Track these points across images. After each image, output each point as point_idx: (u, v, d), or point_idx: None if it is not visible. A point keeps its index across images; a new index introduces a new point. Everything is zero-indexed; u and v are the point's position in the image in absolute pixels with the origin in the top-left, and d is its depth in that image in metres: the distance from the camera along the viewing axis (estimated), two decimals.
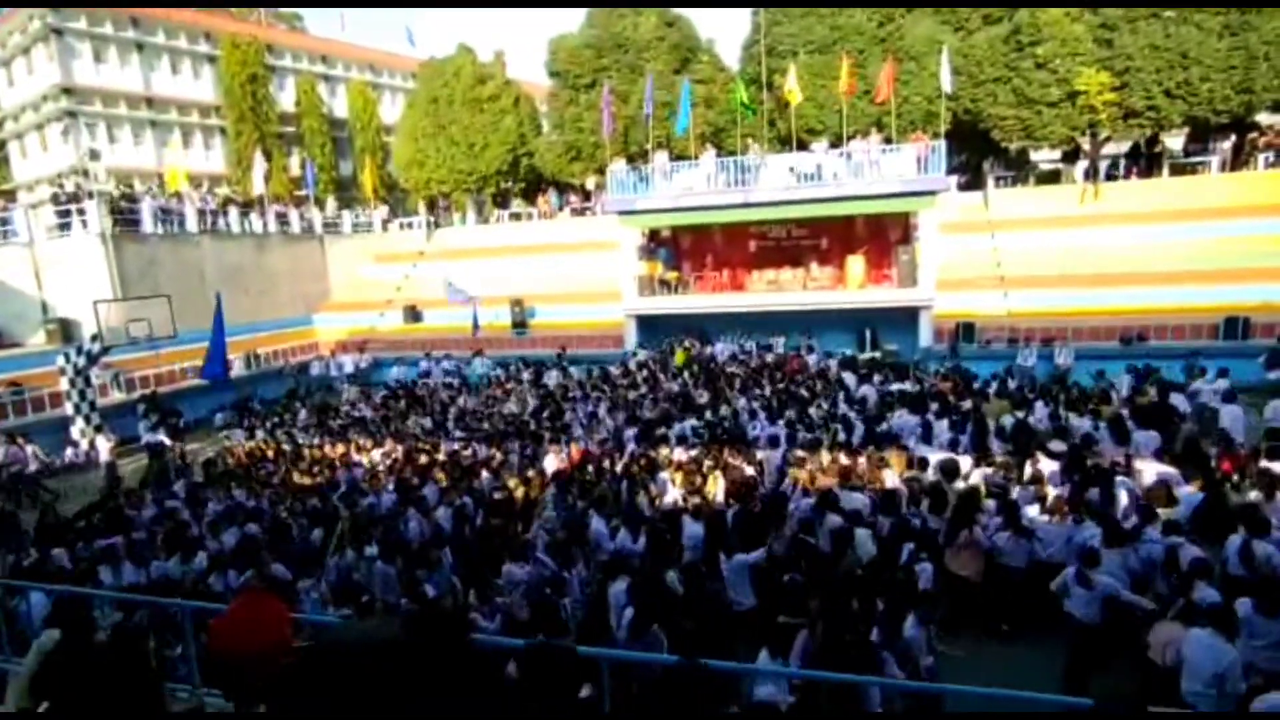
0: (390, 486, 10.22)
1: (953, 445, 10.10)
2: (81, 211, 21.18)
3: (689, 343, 20.08)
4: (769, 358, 18.24)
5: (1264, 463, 8.71)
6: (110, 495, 11.05)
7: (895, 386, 14.23)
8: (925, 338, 19.51)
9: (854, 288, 20.76)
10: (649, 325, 22.03)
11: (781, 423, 11.73)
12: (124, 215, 21.99)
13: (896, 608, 5.57)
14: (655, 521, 8.10)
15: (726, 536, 7.66)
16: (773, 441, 10.78)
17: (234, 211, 26.17)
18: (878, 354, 19.05)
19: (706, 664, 3.87)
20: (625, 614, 5.87)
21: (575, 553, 7.38)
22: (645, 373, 17.42)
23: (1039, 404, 11.72)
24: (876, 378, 15.01)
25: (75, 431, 17.02)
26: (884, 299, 20.10)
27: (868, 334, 20.12)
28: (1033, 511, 7.65)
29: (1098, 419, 10.49)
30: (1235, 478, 8.88)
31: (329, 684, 1.10)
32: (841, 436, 11.04)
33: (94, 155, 24.81)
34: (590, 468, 10.48)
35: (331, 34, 47.94)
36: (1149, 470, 8.55)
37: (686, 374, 16.93)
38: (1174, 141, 24.99)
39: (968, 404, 12.10)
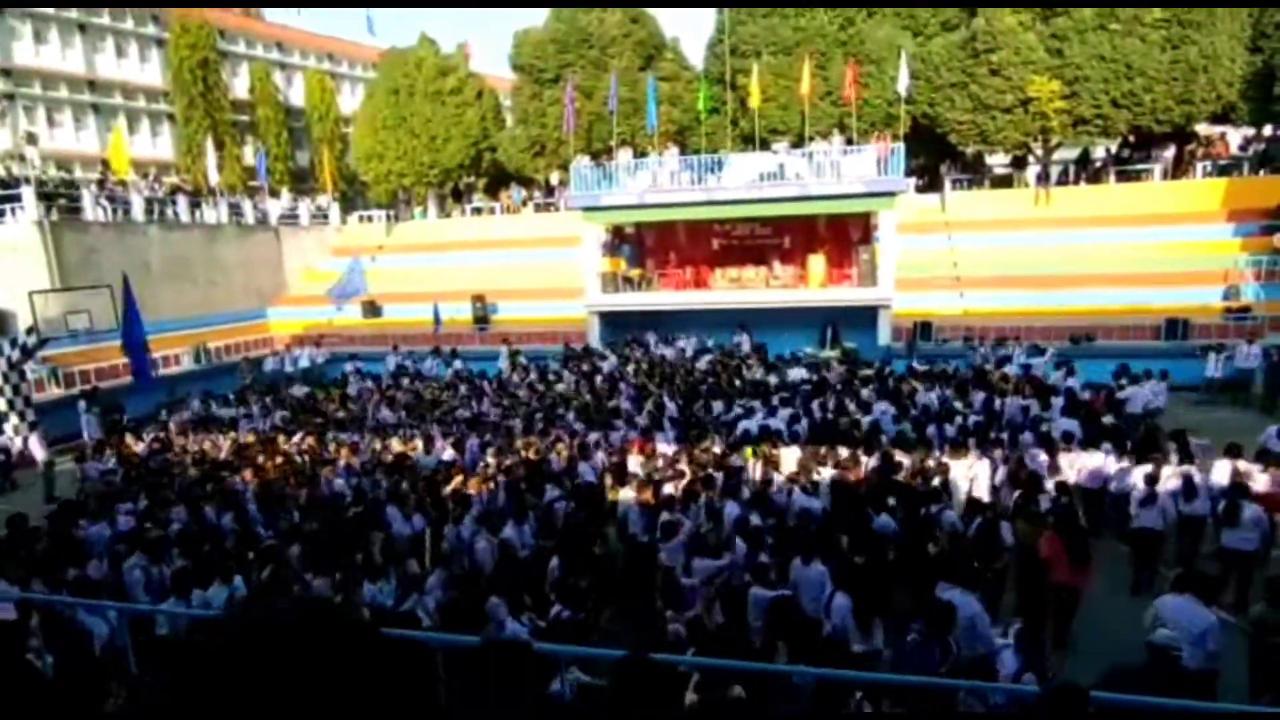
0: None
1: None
2: (16, 198, 20.16)
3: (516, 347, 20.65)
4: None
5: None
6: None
7: (797, 372, 15.81)
8: (884, 336, 19.84)
9: (815, 286, 21.00)
10: (612, 322, 21.96)
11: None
12: (64, 202, 20.98)
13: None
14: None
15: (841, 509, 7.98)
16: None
17: (183, 200, 25.23)
18: (836, 352, 19.30)
19: (654, 659, 3.66)
20: (835, 601, 5.66)
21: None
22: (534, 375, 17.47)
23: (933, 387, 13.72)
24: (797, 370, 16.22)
25: (8, 429, 16.21)
26: (844, 298, 20.38)
27: (829, 332, 20.39)
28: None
29: (1000, 394, 12.74)
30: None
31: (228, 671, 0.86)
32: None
33: (31, 139, 23.72)
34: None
35: (288, 21, 46.64)
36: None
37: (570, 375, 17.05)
38: (1108, 149, 25.95)
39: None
